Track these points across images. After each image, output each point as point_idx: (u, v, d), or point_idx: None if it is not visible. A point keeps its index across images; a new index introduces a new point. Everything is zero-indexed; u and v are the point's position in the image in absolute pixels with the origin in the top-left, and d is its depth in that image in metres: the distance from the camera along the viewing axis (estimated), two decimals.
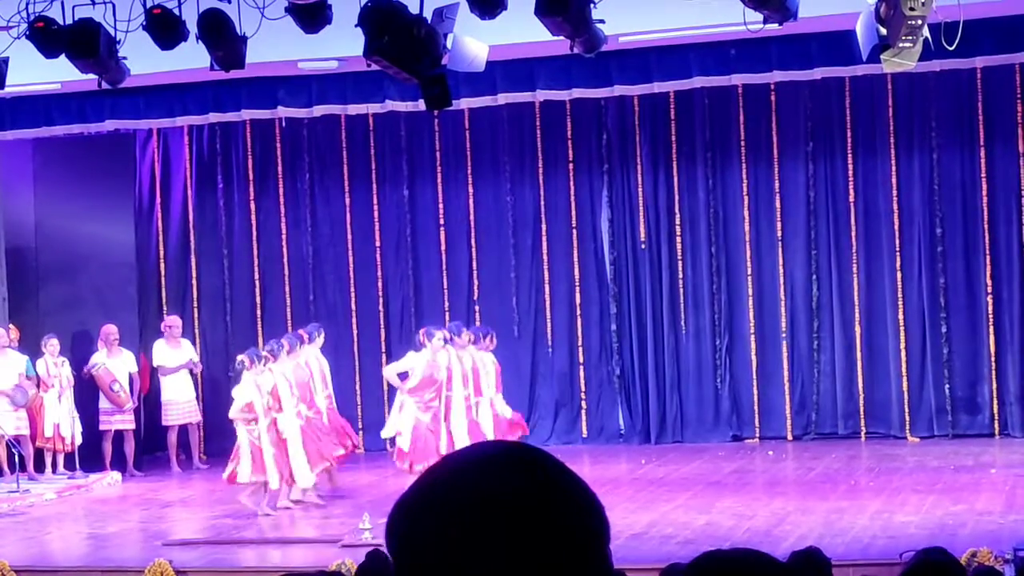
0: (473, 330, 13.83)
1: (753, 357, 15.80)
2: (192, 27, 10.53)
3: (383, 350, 16.64)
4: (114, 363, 15.52)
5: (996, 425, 15.20)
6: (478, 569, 1.55)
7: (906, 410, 15.42)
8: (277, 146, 16.86)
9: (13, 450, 14.66)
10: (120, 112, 13.85)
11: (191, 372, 16.01)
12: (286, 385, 12.90)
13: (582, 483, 1.64)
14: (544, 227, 16.34)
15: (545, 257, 16.36)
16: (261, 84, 13.38)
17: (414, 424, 13.06)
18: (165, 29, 10.50)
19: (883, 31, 9.85)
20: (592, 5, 10.22)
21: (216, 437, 16.26)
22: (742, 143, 15.79)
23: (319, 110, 13.87)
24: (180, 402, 15.83)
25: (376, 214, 16.72)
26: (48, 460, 15.27)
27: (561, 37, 10.41)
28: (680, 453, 14.54)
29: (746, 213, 15.83)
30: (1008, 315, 15.17)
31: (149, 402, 16.02)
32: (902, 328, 15.42)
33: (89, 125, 14.36)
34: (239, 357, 13.19)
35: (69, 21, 10.68)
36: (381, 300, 16.69)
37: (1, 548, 11.70)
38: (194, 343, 16.58)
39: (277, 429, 12.76)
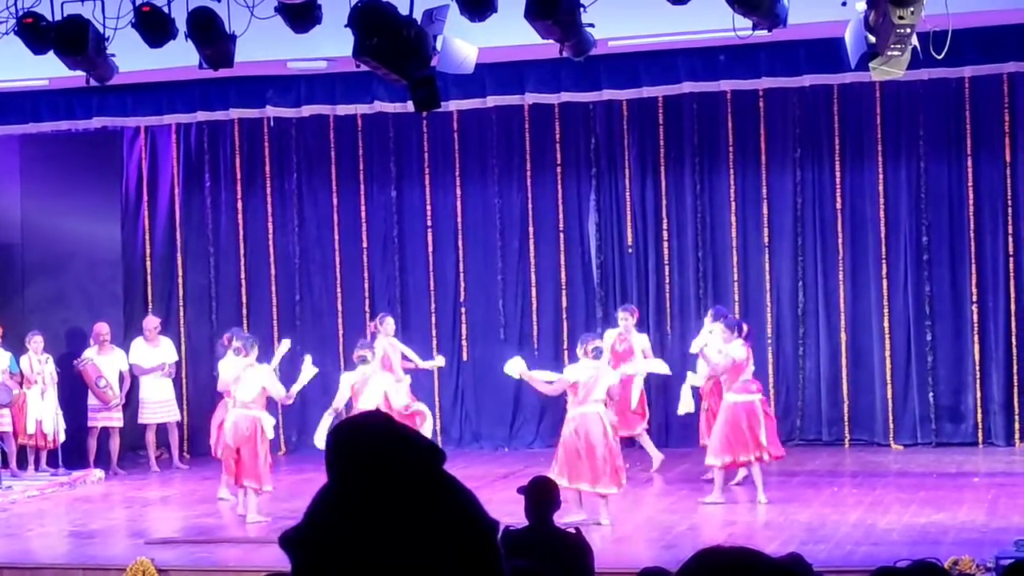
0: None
1: None
2: (181, 25, 10.52)
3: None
4: (103, 360, 15.47)
5: (980, 434, 15.22)
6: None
7: (890, 417, 15.43)
8: (265, 145, 16.84)
9: None
10: (108, 109, 13.82)
11: (164, 374, 15.79)
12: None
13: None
14: (531, 230, 16.34)
15: (532, 260, 16.36)
16: (249, 83, 13.37)
17: None
18: (154, 26, 10.49)
19: (872, 39, 9.88)
20: (582, 9, 10.23)
21: (199, 437, 16.22)
22: (730, 149, 15.81)
23: (307, 110, 13.86)
24: (155, 401, 15.73)
25: (363, 215, 16.70)
26: (31, 457, 15.22)
27: (551, 41, 10.41)
28: (664, 457, 14.54)
29: (733, 219, 15.84)
30: (993, 324, 15.20)
31: (130, 401, 15.96)
32: (887, 336, 15.45)
33: (77, 122, 14.34)
34: (235, 343, 12.93)
35: (58, 17, 10.66)
36: (367, 301, 16.67)
37: None
38: (179, 342, 16.52)
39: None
